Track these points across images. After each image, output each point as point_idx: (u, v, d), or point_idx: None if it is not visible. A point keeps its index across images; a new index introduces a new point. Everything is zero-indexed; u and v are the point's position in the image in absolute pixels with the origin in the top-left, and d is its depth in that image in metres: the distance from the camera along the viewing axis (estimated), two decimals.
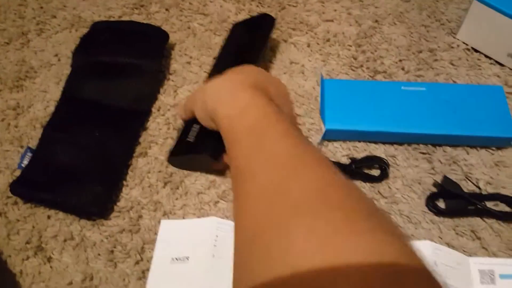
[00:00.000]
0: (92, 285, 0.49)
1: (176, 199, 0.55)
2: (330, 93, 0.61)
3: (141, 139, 0.59)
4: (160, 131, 0.59)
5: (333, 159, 0.58)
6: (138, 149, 0.58)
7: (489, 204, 0.54)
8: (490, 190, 0.56)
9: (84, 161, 0.54)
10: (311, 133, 0.60)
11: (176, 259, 0.50)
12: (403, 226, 0.54)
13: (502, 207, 0.54)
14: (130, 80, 0.60)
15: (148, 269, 0.50)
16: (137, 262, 0.50)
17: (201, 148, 0.52)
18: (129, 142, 0.57)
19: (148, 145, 0.58)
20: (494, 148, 0.59)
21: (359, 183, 0.57)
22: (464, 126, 0.58)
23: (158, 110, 0.61)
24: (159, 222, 0.53)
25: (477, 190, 0.55)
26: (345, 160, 0.58)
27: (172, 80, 0.64)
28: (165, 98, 0.62)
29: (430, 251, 0.48)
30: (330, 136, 0.59)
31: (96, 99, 0.59)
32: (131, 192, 0.55)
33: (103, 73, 0.60)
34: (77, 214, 0.52)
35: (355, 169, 0.57)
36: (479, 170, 0.58)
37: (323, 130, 0.58)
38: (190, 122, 0.53)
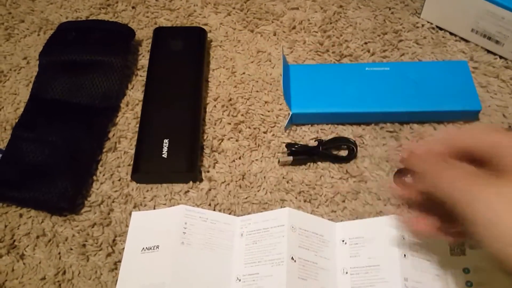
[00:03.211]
0: (65, 278, 0.50)
1: (147, 191, 0.55)
2: (295, 78, 0.61)
3: (110, 134, 0.59)
4: (129, 126, 0.60)
5: (301, 143, 0.59)
6: (108, 144, 0.58)
7: None
8: None
9: (52, 158, 0.55)
10: (280, 119, 0.61)
11: (147, 248, 0.50)
12: (372, 203, 0.54)
13: None
14: (97, 77, 0.61)
15: (120, 261, 0.50)
16: (109, 254, 0.51)
17: (178, 164, 0.54)
18: (98, 138, 0.58)
19: (117, 140, 0.59)
20: (461, 123, 0.60)
21: (327, 165, 0.57)
22: (429, 102, 0.59)
23: (127, 105, 0.62)
24: (130, 214, 0.53)
25: None
26: (313, 143, 0.59)
27: (140, 76, 0.65)
28: (133, 93, 0.63)
29: (395, 225, 0.49)
30: (297, 120, 0.60)
31: (63, 98, 0.59)
32: (102, 186, 0.56)
33: (70, 71, 0.61)
34: (48, 210, 0.53)
35: (322, 151, 0.58)
36: None
37: (290, 114, 0.59)
38: (156, 134, 0.55)
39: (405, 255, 0.47)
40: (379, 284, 0.46)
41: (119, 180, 0.56)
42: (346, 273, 0.49)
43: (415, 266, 0.47)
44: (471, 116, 0.60)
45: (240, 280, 0.48)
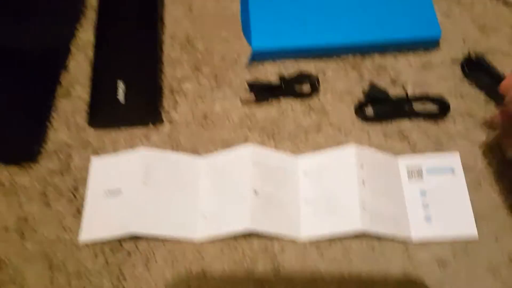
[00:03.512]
0: (28, 226, 0.49)
1: (105, 136, 0.54)
2: (255, 13, 0.59)
3: (62, 80, 0.56)
4: (81, 70, 0.57)
5: (264, 80, 0.58)
6: (61, 91, 0.56)
7: (417, 106, 0.55)
8: (418, 91, 0.57)
9: (4, 107, 0.52)
10: (241, 56, 0.59)
11: (109, 192, 0.49)
12: (334, 137, 0.54)
13: (430, 107, 0.55)
14: (45, 17, 0.57)
15: (82, 206, 0.50)
16: (70, 201, 0.50)
17: (137, 106, 0.52)
18: (49, 83, 0.55)
19: (70, 85, 0.56)
20: (422, 52, 0.60)
21: (290, 100, 0.57)
22: (389, 31, 0.58)
23: (78, 49, 0.59)
24: (89, 160, 0.52)
25: (405, 94, 0.56)
26: (276, 80, 0.58)
27: (91, 16, 0.61)
28: (84, 35, 0.60)
29: (354, 154, 0.49)
30: (258, 57, 0.58)
31: (8, 42, 0.56)
32: (58, 134, 0.54)
33: (14, 12, 0.57)
34: (3, 160, 0.51)
35: (285, 87, 0.57)
36: (406, 75, 0.58)
37: (251, 51, 0.57)
38: (112, 76, 0.52)
39: (363, 182, 0.48)
40: (339, 211, 0.47)
41: (75, 126, 0.54)
42: (309, 203, 0.49)
43: (373, 192, 0.48)
44: (431, 43, 0.60)
45: (206, 217, 0.49)
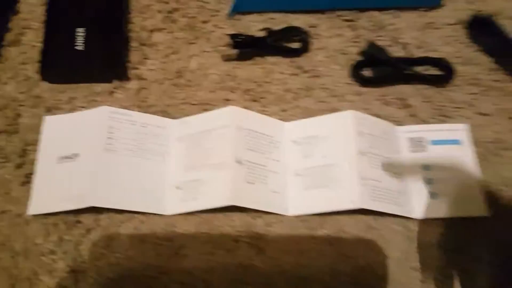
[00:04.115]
0: None
1: (61, 92, 0.46)
2: None
3: (11, 25, 0.48)
4: (34, 14, 0.49)
5: (247, 33, 0.50)
6: (9, 37, 0.47)
7: (419, 69, 0.49)
8: (420, 54, 0.51)
9: None
10: (221, 6, 0.52)
11: (64, 157, 0.42)
12: (326, 101, 0.48)
13: (433, 72, 0.49)
14: None
15: (32, 173, 0.42)
16: (18, 166, 0.43)
17: (98, 57, 0.44)
18: None
19: (20, 31, 0.48)
20: (424, 10, 0.53)
21: (277, 59, 0.50)
22: None
23: None
24: (42, 119, 0.44)
25: (406, 55, 0.50)
26: (261, 34, 0.50)
27: None
28: None
29: (352, 121, 0.43)
30: (241, 6, 0.51)
31: None
32: (4, 87, 0.46)
33: None
34: None
35: (272, 43, 0.50)
36: (408, 34, 0.52)
37: None
38: (70, 22, 0.44)
39: (362, 153, 0.42)
40: (333, 184, 0.42)
41: (26, 79, 0.46)
42: (298, 175, 0.43)
43: (372, 163, 0.43)
44: (433, 0, 0.53)
45: (179, 188, 0.42)
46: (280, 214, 0.42)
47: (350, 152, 0.42)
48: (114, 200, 0.40)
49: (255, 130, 0.44)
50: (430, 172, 0.44)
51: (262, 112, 0.47)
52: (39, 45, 0.47)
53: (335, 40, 0.51)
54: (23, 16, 0.49)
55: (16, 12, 0.49)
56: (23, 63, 0.47)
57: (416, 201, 0.43)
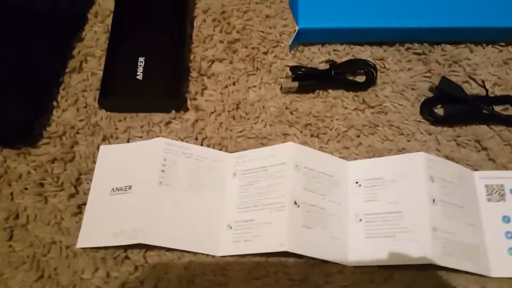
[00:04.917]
0: (18, 224, 0.41)
1: (119, 121, 0.45)
2: None
3: (75, 52, 0.48)
4: (97, 41, 0.49)
5: (309, 66, 0.48)
6: (71, 63, 0.48)
7: (498, 109, 0.45)
8: (499, 92, 0.46)
9: (4, 78, 0.44)
10: (284, 37, 0.50)
11: (117, 189, 0.41)
12: (393, 139, 0.44)
13: None
14: None
15: (84, 203, 0.41)
16: (71, 196, 0.42)
17: (157, 88, 0.44)
18: (60, 55, 0.47)
19: (83, 58, 0.48)
20: (502, 44, 0.49)
21: (340, 93, 0.47)
22: (466, 16, 0.48)
23: (96, 17, 0.51)
24: (97, 148, 0.43)
25: (483, 93, 0.46)
26: (324, 66, 0.48)
27: None
28: (103, 2, 0.51)
29: (423, 164, 0.39)
30: (305, 37, 0.49)
31: (18, 3, 0.48)
32: (64, 114, 0.46)
33: None
34: None
35: (335, 75, 0.47)
36: (485, 70, 0.48)
37: (296, 30, 0.47)
38: (131, 52, 0.45)
39: (434, 200, 0.38)
40: (401, 234, 0.38)
41: (85, 106, 0.46)
42: (360, 220, 0.40)
43: (445, 213, 0.38)
44: None
45: (231, 228, 0.40)
46: (339, 264, 0.38)
47: (420, 199, 0.38)
48: (165, 238, 0.38)
49: (315, 169, 0.41)
50: (510, 225, 0.39)
51: (322, 149, 0.44)
52: (100, 73, 0.47)
53: (404, 74, 0.48)
54: (87, 44, 0.49)
55: (80, 39, 0.49)
56: (84, 91, 0.47)
57: (494, 258, 0.38)
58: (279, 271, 0.38)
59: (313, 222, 0.39)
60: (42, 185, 0.42)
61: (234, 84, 0.48)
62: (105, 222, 0.40)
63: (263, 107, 0.46)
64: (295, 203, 0.39)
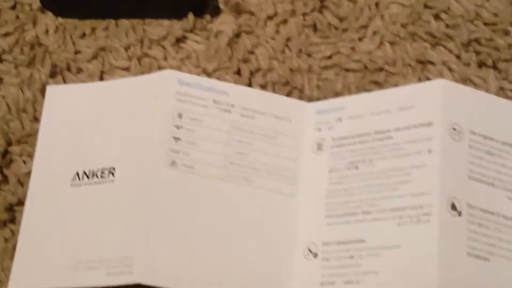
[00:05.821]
0: None
1: (83, 35, 0.29)
2: None
3: None
4: None
5: None
6: None
7: None
8: None
9: None
10: None
11: (86, 174, 0.25)
12: None
13: None
14: None
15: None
16: None
17: None
18: None
19: None
20: None
21: None
22: None
23: None
24: (41, 91, 0.28)
25: None
26: None
27: None
28: None
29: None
30: None
31: None
32: None
33: None
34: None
35: None
36: None
37: None
38: None
39: None
40: None
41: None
42: None
43: None
44: None
45: (316, 255, 0.24)
46: None
47: None
48: (180, 275, 0.23)
49: (494, 137, 0.24)
50: None
51: (504, 91, 0.27)
52: None
53: None
54: None
55: None
56: None
57: None
58: None
59: (492, 247, 0.23)
60: None
61: None
62: (60, 243, 0.23)
63: (377, 4, 0.28)
64: (454, 207, 0.23)
